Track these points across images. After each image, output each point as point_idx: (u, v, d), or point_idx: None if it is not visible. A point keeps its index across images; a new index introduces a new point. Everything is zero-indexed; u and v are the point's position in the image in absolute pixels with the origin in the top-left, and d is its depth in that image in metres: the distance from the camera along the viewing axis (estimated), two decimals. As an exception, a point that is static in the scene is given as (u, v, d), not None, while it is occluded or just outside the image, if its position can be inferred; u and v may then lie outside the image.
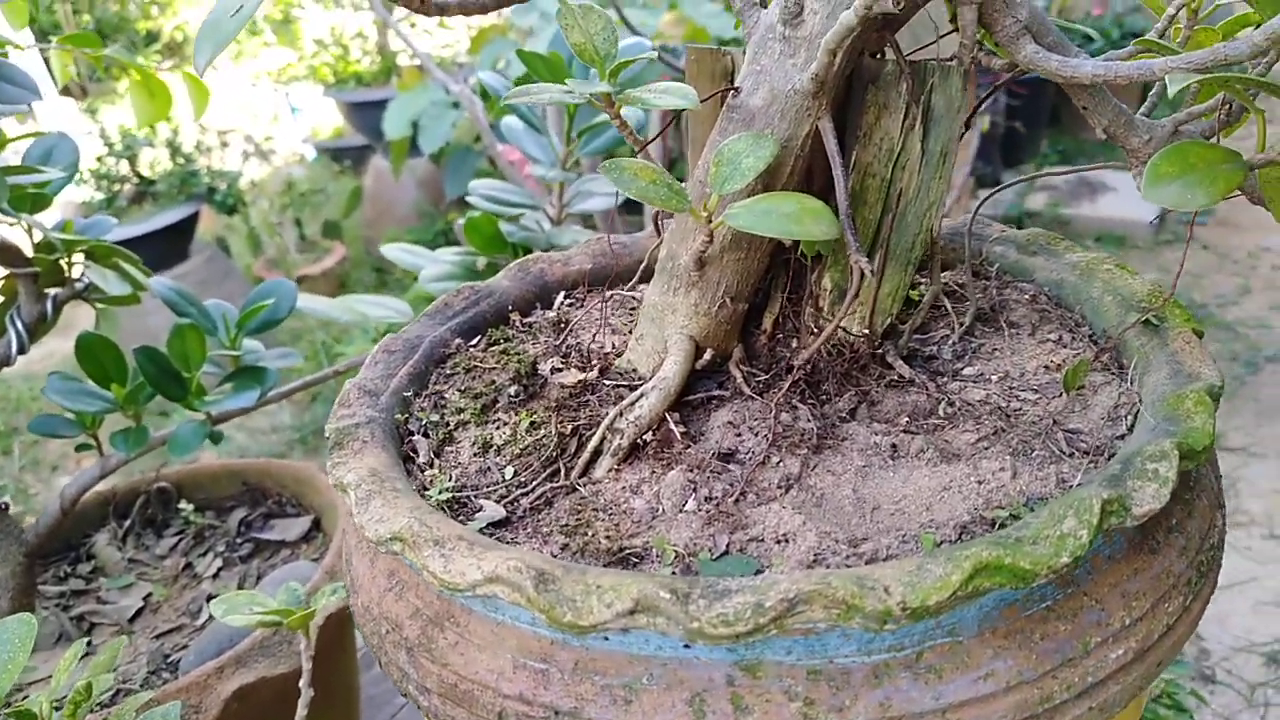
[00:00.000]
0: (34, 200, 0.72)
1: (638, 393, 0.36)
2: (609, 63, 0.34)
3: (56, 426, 0.72)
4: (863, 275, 0.36)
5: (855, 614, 0.25)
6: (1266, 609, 2.05)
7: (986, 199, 0.43)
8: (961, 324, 0.41)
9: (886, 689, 0.27)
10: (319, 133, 4.46)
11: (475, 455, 0.37)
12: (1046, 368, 0.39)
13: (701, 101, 0.36)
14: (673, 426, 0.36)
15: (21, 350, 0.74)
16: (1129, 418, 0.35)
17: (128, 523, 0.87)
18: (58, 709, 0.52)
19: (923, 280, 0.42)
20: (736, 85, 0.35)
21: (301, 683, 0.57)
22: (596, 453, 0.36)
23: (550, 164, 0.82)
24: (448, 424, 0.40)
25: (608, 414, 0.36)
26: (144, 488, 0.88)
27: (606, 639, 0.28)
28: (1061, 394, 0.37)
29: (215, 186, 2.91)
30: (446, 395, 0.42)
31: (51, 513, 0.75)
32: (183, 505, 0.86)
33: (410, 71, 3.57)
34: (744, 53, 0.37)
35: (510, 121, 0.87)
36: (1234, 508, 2.37)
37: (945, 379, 0.38)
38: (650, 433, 0.36)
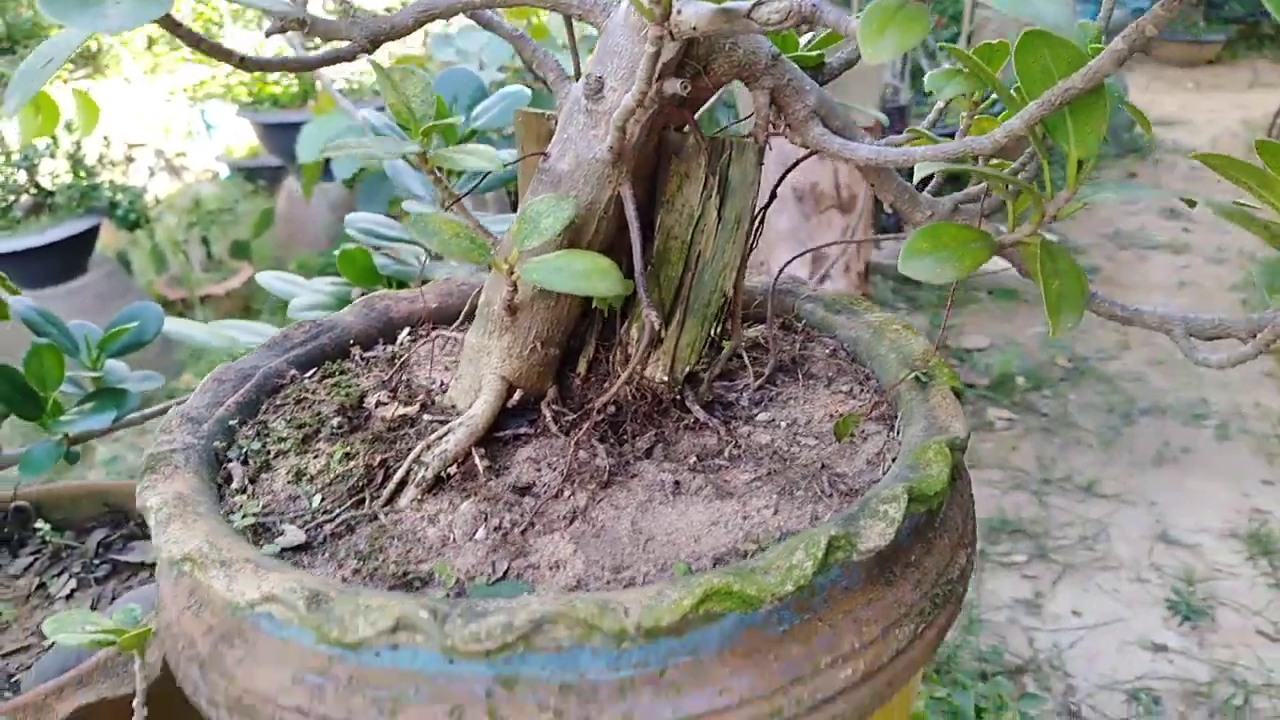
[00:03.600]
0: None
1: (446, 428, 0.39)
2: (424, 123, 0.36)
3: (-96, 441, 0.71)
4: (655, 327, 0.39)
5: (596, 633, 0.28)
6: (1130, 649, 2.14)
7: (791, 260, 0.46)
8: (760, 374, 0.44)
9: (630, 702, 0.30)
10: (234, 151, 4.40)
11: (288, 483, 0.39)
12: (832, 416, 0.42)
13: (521, 160, 0.39)
14: (477, 461, 0.38)
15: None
16: (887, 463, 0.38)
17: (-19, 542, 0.85)
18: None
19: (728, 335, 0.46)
20: (546, 151, 0.38)
21: (135, 702, 0.57)
22: (403, 483, 0.38)
23: (430, 201, 0.85)
24: (268, 452, 0.41)
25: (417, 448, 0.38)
26: (0, 506, 0.87)
27: (379, 654, 0.31)
28: (832, 446, 0.40)
29: (118, 201, 2.85)
30: (271, 425, 0.43)
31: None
32: (40, 525, 0.85)
33: (326, 96, 3.55)
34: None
35: (396, 163, 0.90)
36: (1104, 552, 2.47)
37: (739, 423, 0.42)
38: (455, 466, 0.38)
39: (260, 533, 0.36)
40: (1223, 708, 1.94)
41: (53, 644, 0.76)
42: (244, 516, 0.37)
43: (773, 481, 0.38)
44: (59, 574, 0.83)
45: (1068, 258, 0.37)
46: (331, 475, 0.39)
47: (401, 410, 0.42)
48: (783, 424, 0.42)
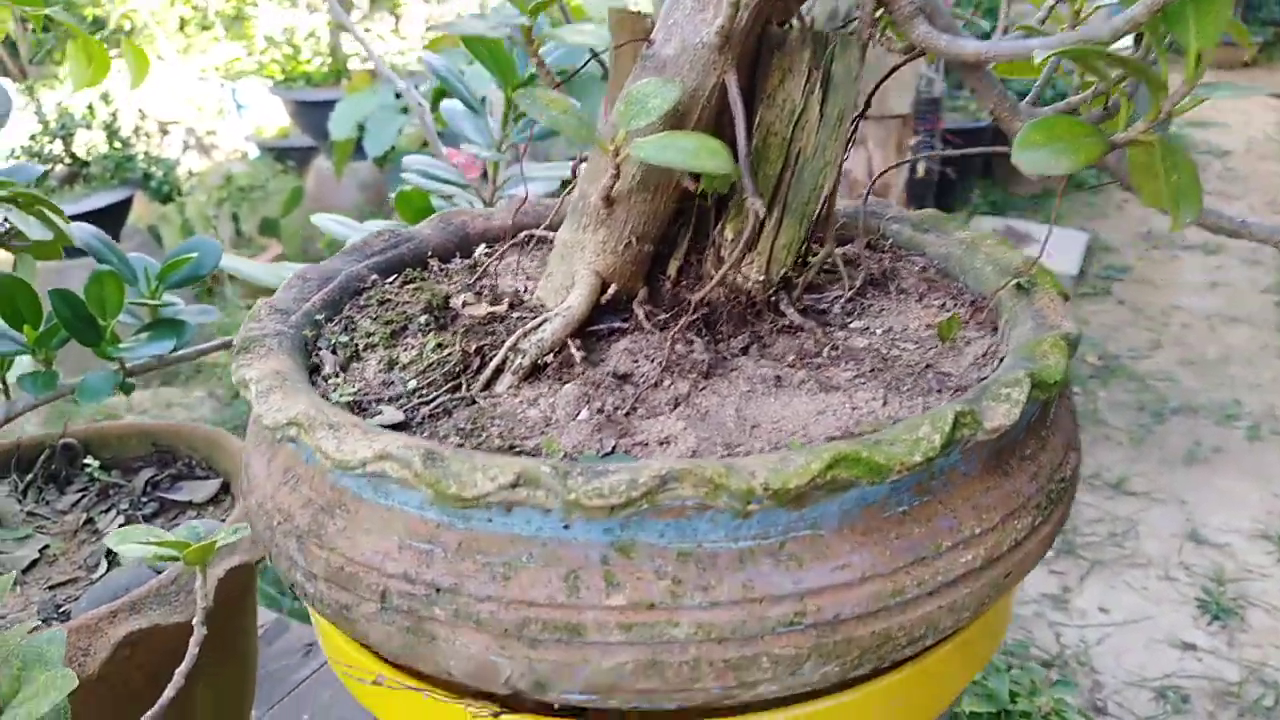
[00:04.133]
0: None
1: (541, 318, 0.38)
2: (529, 1, 0.36)
3: (-38, 364, 0.71)
4: (759, 222, 0.38)
5: (722, 493, 0.27)
6: (1159, 646, 2.12)
7: (882, 174, 0.45)
8: (853, 285, 0.43)
9: (750, 572, 0.29)
10: (263, 131, 4.41)
11: (380, 371, 0.39)
12: (929, 326, 0.41)
13: (618, 48, 0.38)
14: (574, 350, 0.37)
15: (-72, 289, 0.73)
16: (995, 363, 0.37)
17: (30, 477, 0.85)
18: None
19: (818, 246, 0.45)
20: (650, 37, 0.37)
21: (195, 620, 0.57)
22: (498, 371, 0.37)
23: (486, 145, 0.84)
24: (356, 345, 0.41)
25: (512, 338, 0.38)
26: (49, 443, 0.87)
27: (490, 520, 0.30)
28: (938, 345, 0.39)
29: (151, 173, 2.86)
30: (357, 321, 0.43)
31: (-48, 454, 0.74)
32: (89, 461, 0.85)
33: (360, 74, 3.56)
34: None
35: (450, 104, 0.89)
36: (1133, 549, 2.45)
37: (834, 329, 0.41)
38: (551, 355, 0.37)
39: (356, 412, 0.36)
40: (1252, 708, 1.92)
41: (102, 575, 0.76)
42: (340, 396, 0.36)
43: (877, 378, 0.37)
44: (106, 510, 0.83)
45: (1185, 154, 0.36)
46: (425, 363, 0.38)
47: (489, 308, 0.41)
48: (878, 331, 0.41)
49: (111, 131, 2.91)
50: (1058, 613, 2.24)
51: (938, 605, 0.30)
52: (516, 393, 0.36)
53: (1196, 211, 0.36)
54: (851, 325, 0.41)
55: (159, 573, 0.70)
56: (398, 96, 2.87)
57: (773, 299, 0.41)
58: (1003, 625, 0.38)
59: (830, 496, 0.29)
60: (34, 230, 0.74)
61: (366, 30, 4.14)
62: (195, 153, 4.12)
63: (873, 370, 0.37)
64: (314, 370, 0.39)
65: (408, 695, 0.33)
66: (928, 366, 0.37)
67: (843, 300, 0.43)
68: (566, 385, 0.35)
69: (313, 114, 3.63)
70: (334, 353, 0.40)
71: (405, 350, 0.40)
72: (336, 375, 0.38)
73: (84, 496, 0.85)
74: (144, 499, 0.84)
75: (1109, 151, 0.37)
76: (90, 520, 0.83)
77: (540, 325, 0.38)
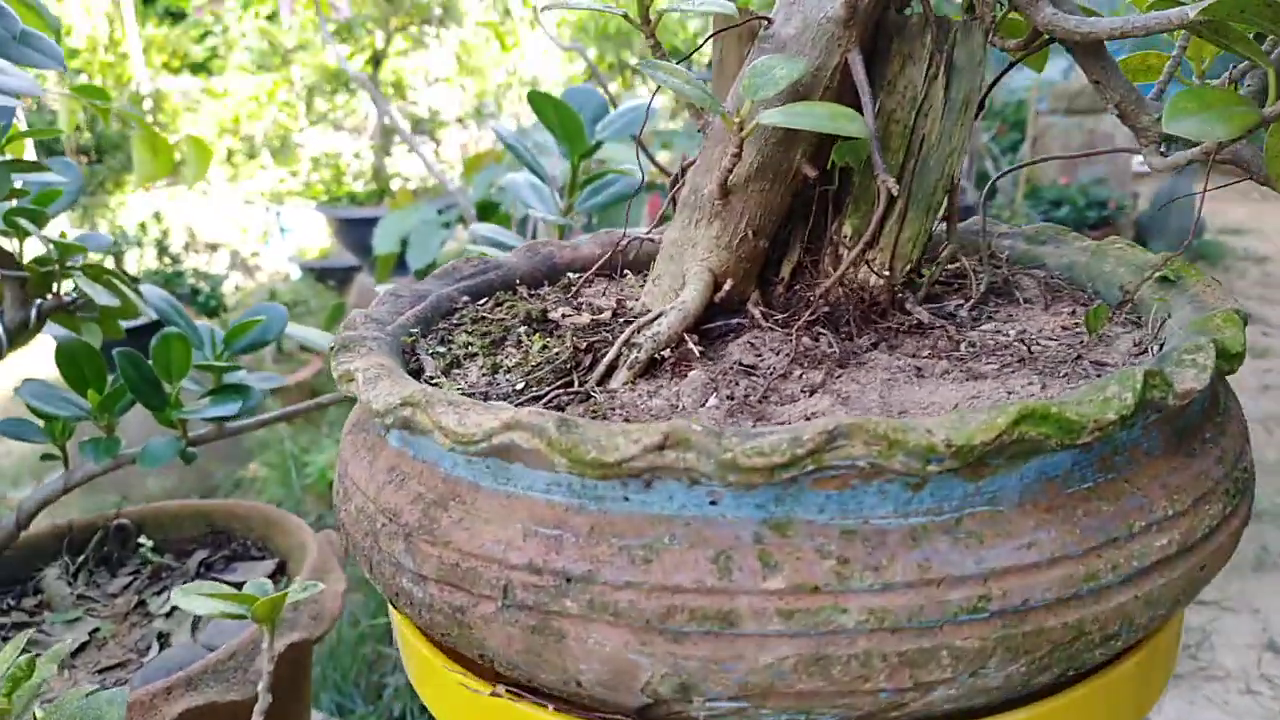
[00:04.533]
0: (32, 216, 0.72)
1: (656, 313, 0.36)
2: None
3: (24, 430, 0.70)
4: (885, 212, 0.36)
5: (898, 451, 0.24)
6: (1247, 762, 1.98)
7: (1000, 177, 0.43)
8: (979, 288, 0.40)
9: (925, 550, 0.25)
10: (306, 253, 4.51)
11: (484, 374, 0.36)
12: (1064, 328, 0.38)
13: (722, 31, 0.36)
14: (691, 345, 0.35)
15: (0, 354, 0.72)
16: (1154, 350, 0.34)
17: (81, 558, 0.83)
18: (-6, 690, 0.48)
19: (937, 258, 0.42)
20: (769, 16, 0.36)
21: (260, 686, 0.53)
22: (611, 368, 0.35)
23: (546, 210, 0.84)
24: (455, 355, 0.38)
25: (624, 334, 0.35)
26: (102, 524, 0.84)
27: (627, 499, 0.27)
28: (1083, 341, 0.36)
29: (199, 288, 2.92)
30: (453, 334, 0.41)
31: (5, 528, 0.72)
32: (142, 542, 0.82)
33: (403, 192, 3.66)
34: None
35: (513, 177, 0.89)
36: (1209, 661, 2.33)
37: (965, 329, 0.38)
38: (668, 350, 0.35)
39: (464, 407, 0.33)
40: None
41: (153, 656, 0.72)
42: (449, 390, 0.33)
43: (1027, 367, 0.34)
44: (158, 592, 0.80)
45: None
46: (532, 364, 0.35)
47: (592, 316, 0.39)
48: (1011, 333, 0.38)
49: (162, 248, 2.99)
50: (1137, 728, 2.11)
51: (1133, 595, 0.27)
52: (634, 387, 0.34)
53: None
54: (982, 328, 0.39)
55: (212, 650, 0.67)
56: (440, 213, 2.94)
57: (898, 297, 0.38)
58: (1177, 643, 0.33)
59: (1010, 467, 0.26)
60: (101, 296, 0.74)
61: (408, 152, 4.27)
62: (240, 273, 4.21)
63: (1020, 361, 0.34)
64: (415, 374, 0.36)
65: (524, 711, 0.29)
66: (1079, 357, 0.34)
67: (966, 308, 0.40)
68: (692, 372, 0.33)
69: (355, 231, 3.72)
70: (434, 358, 0.37)
71: (508, 357, 0.37)
72: (439, 378, 0.36)
73: (136, 578, 0.82)
74: (196, 579, 0.81)
75: (1260, 124, 0.35)
76: (142, 603, 0.79)
77: (655, 319, 0.35)
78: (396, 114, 3.67)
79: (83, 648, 0.74)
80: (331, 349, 0.35)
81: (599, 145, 0.83)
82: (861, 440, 0.24)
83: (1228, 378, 0.33)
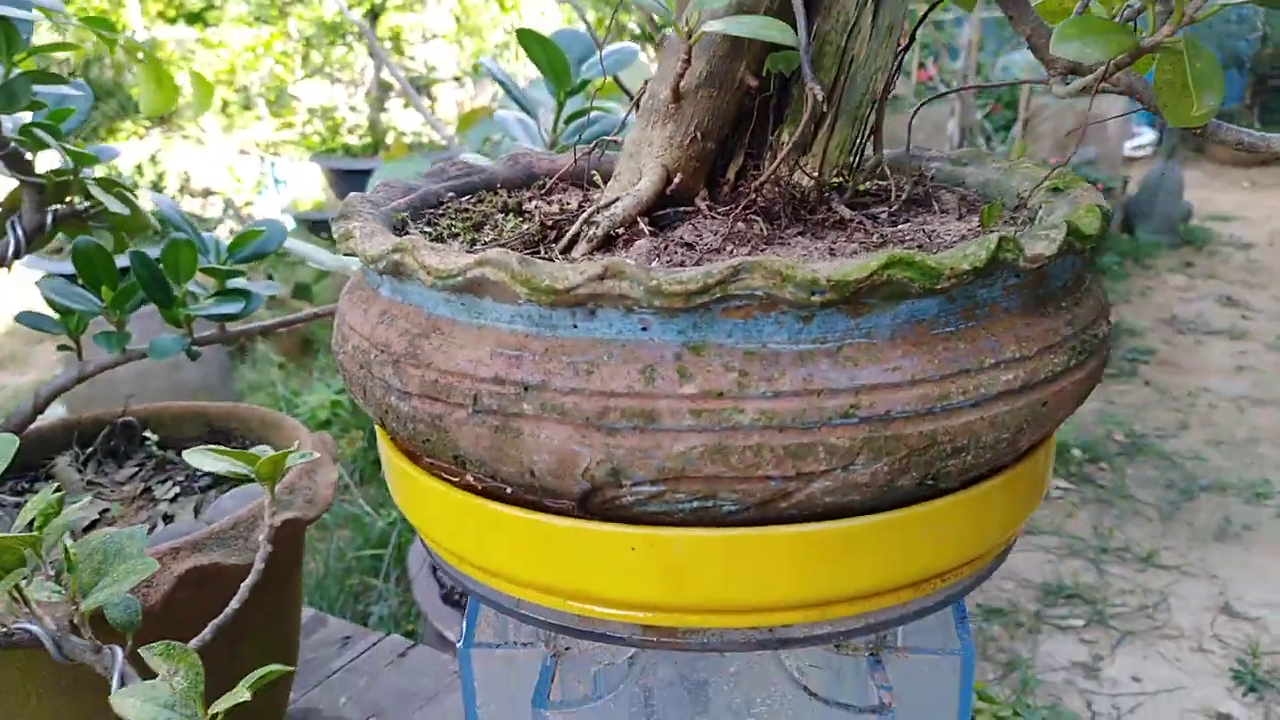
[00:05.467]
0: (49, 129, 0.77)
1: (613, 198, 0.42)
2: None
3: (42, 322, 0.76)
4: (815, 118, 0.42)
5: (788, 283, 0.30)
6: (1193, 716, 2.08)
7: (923, 105, 0.49)
8: (900, 194, 0.47)
9: (809, 368, 0.32)
10: (300, 204, 4.53)
11: (464, 246, 0.42)
12: (969, 229, 0.45)
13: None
14: (643, 225, 0.41)
15: (17, 254, 0.78)
16: (1032, 240, 0.40)
17: (90, 450, 0.89)
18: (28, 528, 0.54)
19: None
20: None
21: (262, 538, 0.59)
22: (574, 241, 0.41)
23: (528, 142, 0.89)
24: (440, 233, 0.45)
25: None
26: (109, 419, 0.91)
27: (575, 326, 0.33)
28: (980, 232, 0.42)
29: (194, 232, 2.96)
30: (439, 220, 0.47)
31: (23, 411, 0.78)
32: (148, 435, 0.89)
33: (398, 145, 3.69)
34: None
35: (502, 114, 0.94)
36: (1164, 621, 2.42)
37: (881, 225, 0.44)
38: (623, 229, 0.41)
39: (446, 264, 0.39)
40: (1291, 780, 1.87)
41: (159, 531, 0.78)
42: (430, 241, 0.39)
43: (923, 249, 0.40)
44: (163, 481, 0.86)
45: (1211, 54, 0.40)
46: (507, 236, 0.42)
47: (561, 208, 0.45)
48: (923, 230, 0.44)
49: (158, 190, 3.03)
50: (1089, 681, 2.21)
51: (979, 416, 0.33)
52: (591, 256, 0.40)
53: (1218, 96, 0.39)
54: (898, 226, 0.45)
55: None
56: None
57: (825, 196, 0.44)
58: (1044, 477, 0.40)
59: (884, 306, 0.32)
60: (113, 205, 0.79)
61: (405, 106, 4.29)
62: (233, 222, 4.24)
63: (919, 246, 0.41)
64: (403, 244, 0.42)
65: (488, 506, 0.35)
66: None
67: (888, 213, 0.47)
68: (638, 242, 0.39)
69: (350, 182, 3.75)
70: (421, 234, 0.44)
71: (485, 235, 0.43)
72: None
73: (141, 469, 0.89)
74: (198, 472, 0.87)
75: (1136, 50, 0.41)
76: (148, 489, 0.86)
77: (613, 203, 0.41)
78: (395, 67, 3.69)
79: (93, 525, 0.81)
80: (333, 219, 0.41)
81: (585, 84, 0.89)
82: (760, 274, 0.31)
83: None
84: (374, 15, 3.93)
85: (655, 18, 0.41)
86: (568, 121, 0.90)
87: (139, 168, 3.02)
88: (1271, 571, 2.54)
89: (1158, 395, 3.43)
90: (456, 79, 4.82)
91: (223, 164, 4.72)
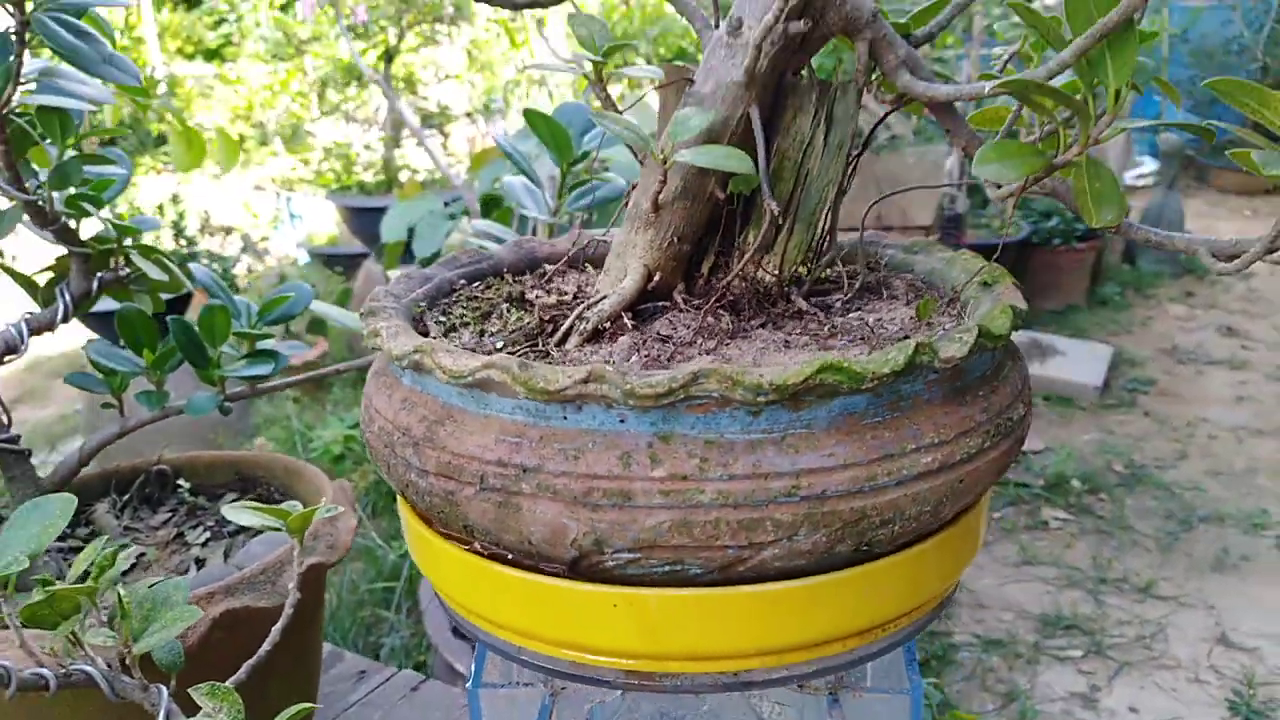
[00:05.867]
0: (92, 200, 0.84)
1: (601, 296, 0.49)
2: (600, 49, 0.47)
3: (89, 382, 0.83)
4: (775, 224, 0.48)
5: (738, 387, 0.37)
6: (1187, 745, 2.11)
7: (880, 200, 0.56)
8: (852, 286, 0.53)
9: (758, 455, 0.38)
10: (315, 239, 4.62)
11: (474, 337, 0.49)
12: (911, 317, 0.51)
13: (666, 85, 0.49)
14: (626, 321, 0.48)
15: (65, 319, 0.85)
16: (960, 334, 0.47)
17: (127, 497, 0.96)
18: (82, 580, 0.61)
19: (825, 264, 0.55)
20: (692, 79, 0.49)
21: (290, 585, 0.66)
22: (567, 334, 0.48)
23: (537, 211, 0.97)
24: (453, 323, 0.52)
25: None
26: (145, 468, 0.98)
27: (565, 418, 0.40)
28: (916, 324, 0.49)
29: (212, 270, 3.05)
30: (452, 309, 0.54)
31: (69, 463, 0.85)
32: (180, 483, 0.95)
33: (411, 184, 3.78)
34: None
35: (510, 180, 1.02)
36: (1161, 651, 2.46)
37: (834, 316, 0.51)
38: (609, 323, 0.48)
39: (458, 357, 0.46)
40: (1287, 812, 1.90)
41: (192, 575, 0.85)
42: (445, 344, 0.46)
43: (864, 343, 0.47)
44: (195, 527, 0.93)
45: (1107, 169, 0.46)
46: (509, 330, 0.49)
47: (559, 298, 0.52)
48: (870, 319, 0.51)
49: (179, 230, 3.12)
50: (1086, 711, 2.25)
51: (903, 493, 0.40)
52: (581, 349, 0.47)
53: (1116, 212, 0.46)
54: (849, 316, 0.52)
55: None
56: (446, 204, 3.06)
57: (785, 290, 0.51)
58: (973, 542, 0.46)
59: (820, 402, 0.39)
60: (153, 271, 0.87)
61: (418, 145, 4.38)
62: (250, 257, 4.33)
63: (862, 338, 0.47)
64: (422, 335, 0.49)
65: (493, 568, 0.42)
66: (906, 336, 0.47)
67: (842, 301, 0.53)
68: (620, 339, 0.46)
69: (364, 220, 3.84)
70: (436, 324, 0.51)
71: (492, 325, 0.50)
72: (440, 338, 0.49)
73: (174, 515, 0.95)
74: (228, 519, 0.94)
75: (1049, 168, 0.47)
76: (180, 535, 0.93)
77: (601, 300, 0.48)
78: (407, 109, 3.79)
79: (130, 569, 0.87)
80: (361, 314, 0.48)
81: (586, 155, 0.96)
82: (715, 379, 0.37)
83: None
84: (389, 57, 4.04)
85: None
86: (570, 189, 0.97)
87: (160, 208, 3.11)
88: (1268, 602, 2.58)
89: (1157, 425, 3.48)
90: (469, 115, 4.91)
91: (239, 200, 4.82)
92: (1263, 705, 2.15)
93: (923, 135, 4.00)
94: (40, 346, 0.85)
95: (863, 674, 0.51)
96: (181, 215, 3.13)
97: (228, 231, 3.55)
